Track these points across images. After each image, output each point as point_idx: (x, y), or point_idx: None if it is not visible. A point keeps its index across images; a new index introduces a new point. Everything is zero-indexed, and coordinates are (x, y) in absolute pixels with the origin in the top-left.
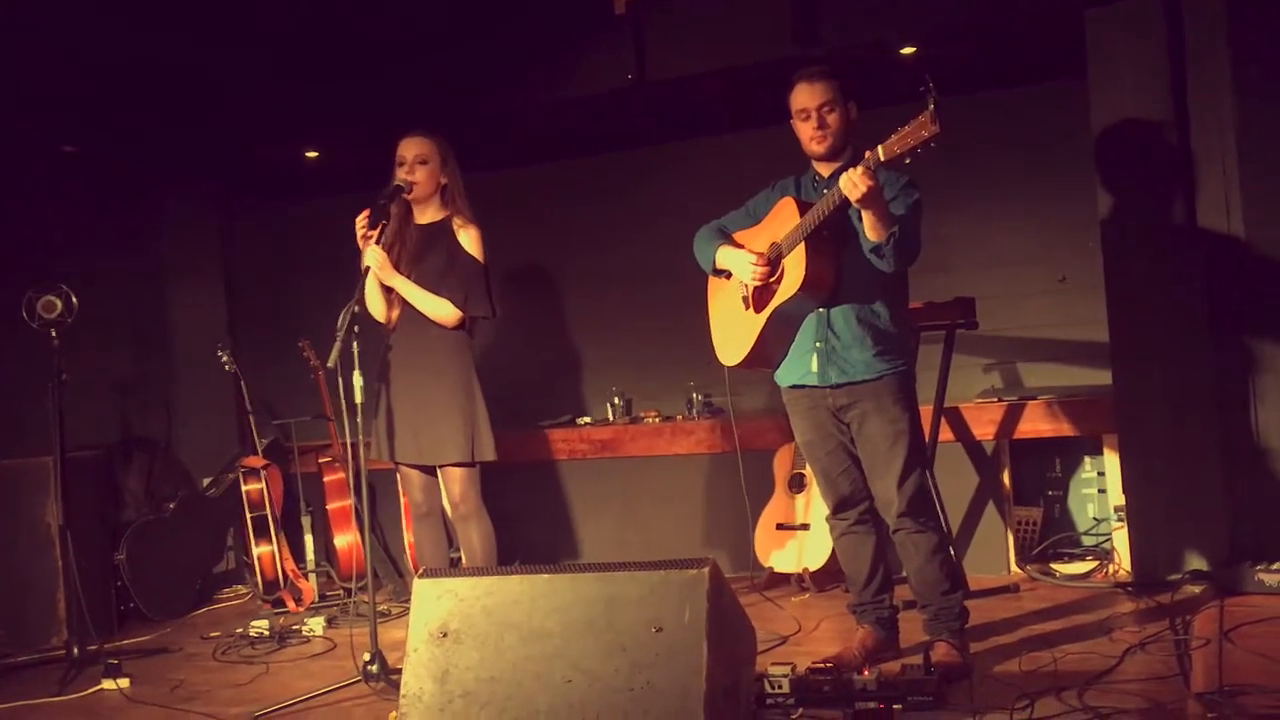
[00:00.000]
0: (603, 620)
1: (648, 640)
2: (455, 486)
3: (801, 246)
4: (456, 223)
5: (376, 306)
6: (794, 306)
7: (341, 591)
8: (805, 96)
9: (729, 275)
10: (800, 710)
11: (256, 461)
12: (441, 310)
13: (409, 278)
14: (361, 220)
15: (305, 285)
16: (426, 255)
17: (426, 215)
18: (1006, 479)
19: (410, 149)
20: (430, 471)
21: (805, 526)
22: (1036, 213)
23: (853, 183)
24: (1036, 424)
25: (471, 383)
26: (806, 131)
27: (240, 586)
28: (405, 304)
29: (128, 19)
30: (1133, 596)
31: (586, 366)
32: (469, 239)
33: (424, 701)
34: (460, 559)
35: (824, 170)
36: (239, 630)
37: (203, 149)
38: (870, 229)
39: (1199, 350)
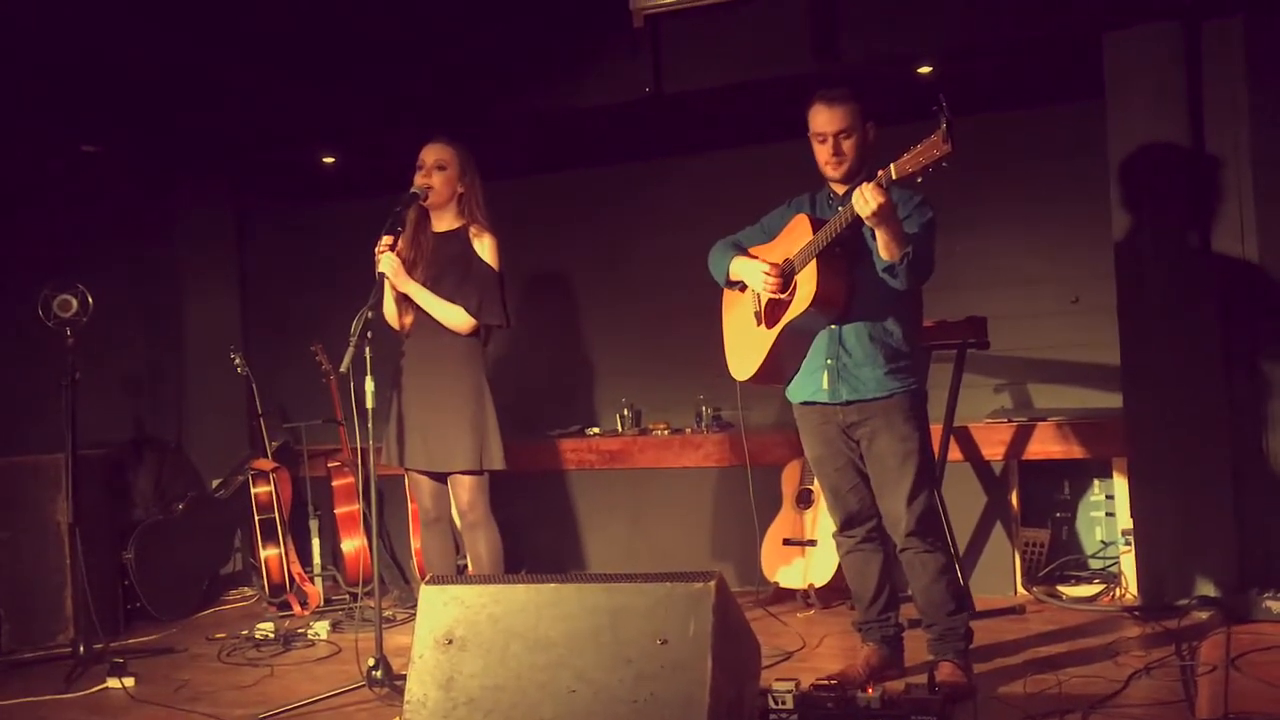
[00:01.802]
0: (608, 631)
1: (653, 652)
2: (464, 494)
3: (814, 263)
4: (473, 230)
5: (390, 313)
6: (806, 323)
7: (347, 596)
8: (824, 120)
9: (743, 287)
10: None
11: (266, 464)
12: (454, 318)
13: (424, 284)
14: (381, 246)
15: (319, 289)
16: (442, 262)
17: (444, 223)
18: (1014, 500)
19: (430, 154)
20: (440, 478)
21: (812, 542)
22: (1050, 233)
23: (865, 199)
24: (1046, 445)
25: (483, 391)
26: (822, 155)
27: (246, 588)
28: (419, 311)
29: (146, 19)
30: (1139, 621)
31: (597, 377)
32: (485, 247)
33: (428, 708)
34: (467, 566)
35: (839, 188)
36: (244, 632)
37: (218, 150)
38: (884, 248)
39: (1211, 374)
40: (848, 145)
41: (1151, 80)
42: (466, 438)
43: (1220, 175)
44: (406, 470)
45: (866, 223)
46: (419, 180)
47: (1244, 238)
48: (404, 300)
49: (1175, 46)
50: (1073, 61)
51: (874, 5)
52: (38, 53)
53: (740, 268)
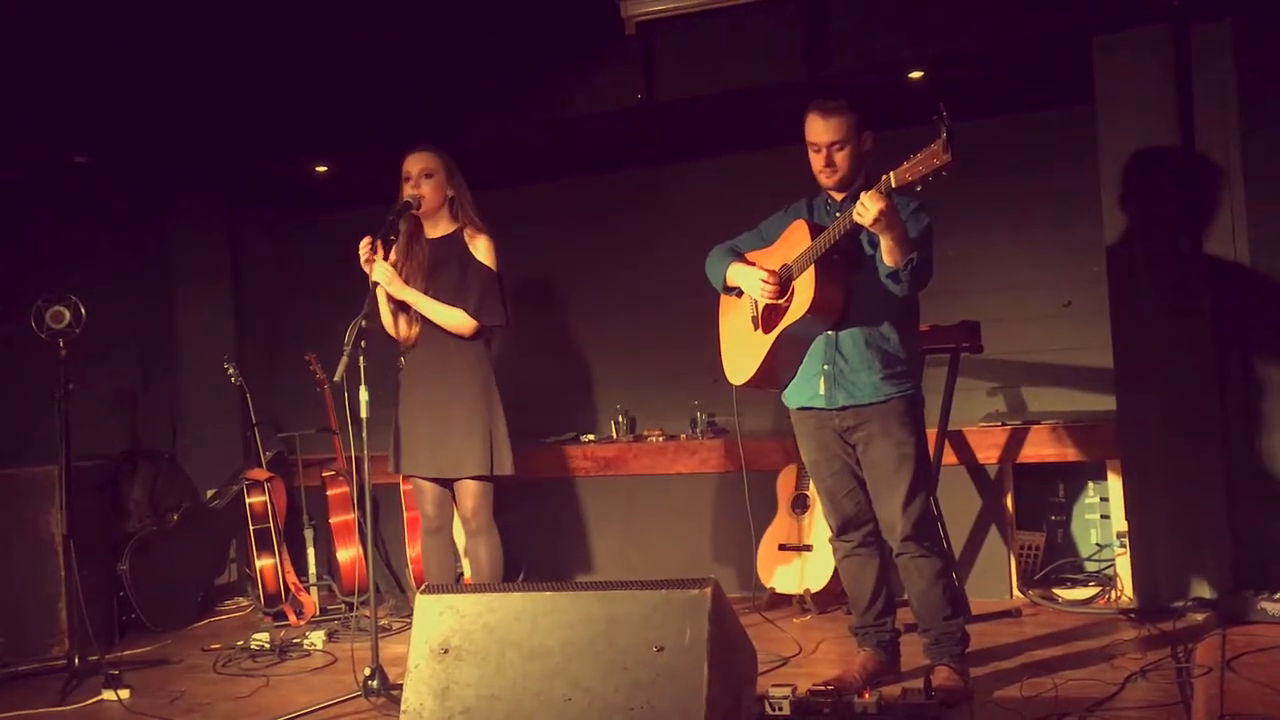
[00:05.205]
0: (604, 639)
1: (648, 660)
2: (469, 501)
3: (811, 270)
4: (468, 233)
5: (389, 321)
6: (803, 328)
7: (343, 605)
8: (818, 131)
9: (740, 293)
10: None
11: (260, 474)
12: (455, 320)
13: (424, 292)
14: (364, 247)
15: (312, 298)
16: (440, 268)
17: (438, 229)
18: (1009, 503)
19: (415, 164)
20: (446, 485)
21: (808, 548)
22: (1043, 237)
23: (864, 208)
24: (1040, 448)
25: (492, 396)
26: (816, 164)
27: (242, 599)
28: (425, 320)
29: (139, 33)
30: (1135, 623)
31: (591, 384)
32: (481, 248)
33: (424, 717)
34: (463, 575)
35: (837, 195)
36: (240, 643)
37: (211, 161)
38: (888, 254)
39: (1204, 376)
40: (840, 157)
41: (1141, 84)
42: (477, 444)
43: (1211, 178)
44: (411, 477)
45: (870, 229)
46: (408, 191)
47: (1235, 240)
48: (404, 309)
49: (1164, 50)
50: (1063, 66)
51: (864, 12)
52: (29, 63)
53: (738, 274)
